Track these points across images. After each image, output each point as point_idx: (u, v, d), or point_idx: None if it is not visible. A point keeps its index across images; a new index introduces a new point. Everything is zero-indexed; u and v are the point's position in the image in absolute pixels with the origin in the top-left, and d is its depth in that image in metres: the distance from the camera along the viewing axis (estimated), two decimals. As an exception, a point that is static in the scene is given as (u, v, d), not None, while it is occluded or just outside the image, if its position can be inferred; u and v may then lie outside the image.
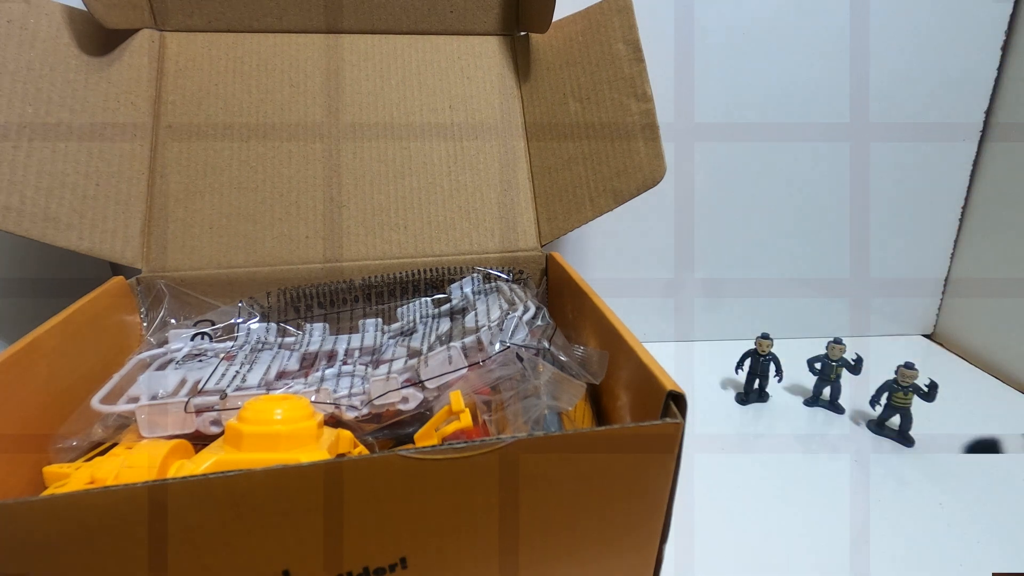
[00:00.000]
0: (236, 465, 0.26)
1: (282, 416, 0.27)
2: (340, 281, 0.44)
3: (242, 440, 0.26)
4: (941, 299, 0.67)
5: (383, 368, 0.35)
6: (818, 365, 0.53)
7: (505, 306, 0.38)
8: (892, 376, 0.48)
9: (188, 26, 0.46)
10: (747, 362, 0.54)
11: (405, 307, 0.43)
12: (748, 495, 0.43)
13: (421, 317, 0.41)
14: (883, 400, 0.50)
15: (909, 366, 0.47)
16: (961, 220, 0.64)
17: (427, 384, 0.33)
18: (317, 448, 0.27)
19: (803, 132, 0.58)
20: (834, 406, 0.53)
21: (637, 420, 0.23)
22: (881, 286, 0.66)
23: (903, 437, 0.48)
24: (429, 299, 0.43)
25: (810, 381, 0.55)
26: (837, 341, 0.52)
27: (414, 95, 0.48)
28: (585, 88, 0.47)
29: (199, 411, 0.31)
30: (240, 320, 0.41)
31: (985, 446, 0.12)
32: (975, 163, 0.61)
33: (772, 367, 0.53)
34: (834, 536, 0.38)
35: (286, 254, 0.44)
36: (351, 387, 0.34)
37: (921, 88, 0.58)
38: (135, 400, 0.32)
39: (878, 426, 0.50)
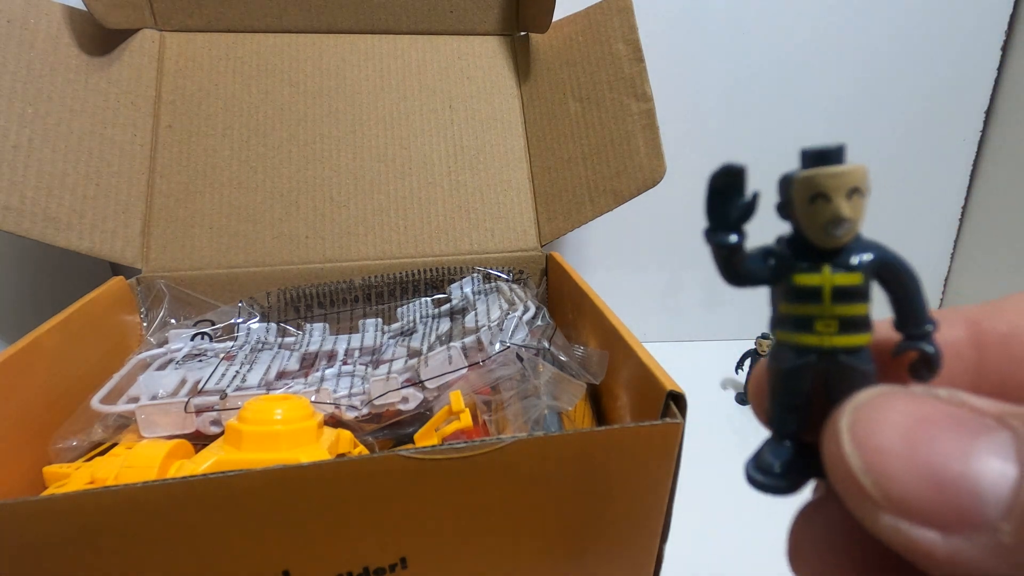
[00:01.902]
0: (236, 465, 0.26)
1: (282, 416, 0.27)
2: (340, 281, 0.44)
3: (242, 440, 0.26)
4: (941, 299, 0.67)
5: (383, 368, 0.35)
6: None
7: (505, 306, 0.38)
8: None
9: (188, 26, 0.46)
10: (747, 362, 0.54)
11: (405, 307, 0.43)
12: (748, 495, 0.43)
13: (421, 317, 0.41)
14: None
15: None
16: (961, 220, 0.64)
17: (427, 384, 0.33)
18: (317, 448, 0.27)
19: (803, 132, 0.58)
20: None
21: (637, 420, 0.23)
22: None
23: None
24: (429, 299, 0.43)
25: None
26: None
27: (414, 95, 0.48)
28: (585, 88, 0.47)
29: (199, 411, 0.31)
30: (240, 320, 0.41)
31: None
32: (975, 163, 0.61)
33: (772, 367, 0.53)
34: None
35: (286, 254, 0.44)
36: (351, 387, 0.34)
37: (921, 88, 0.58)
38: (135, 400, 0.32)
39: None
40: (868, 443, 0.09)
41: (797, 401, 0.12)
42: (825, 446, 0.10)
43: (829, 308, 0.11)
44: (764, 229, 0.13)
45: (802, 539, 0.11)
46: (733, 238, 0.11)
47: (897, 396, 0.10)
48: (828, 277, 0.11)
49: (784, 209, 0.12)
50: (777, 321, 0.12)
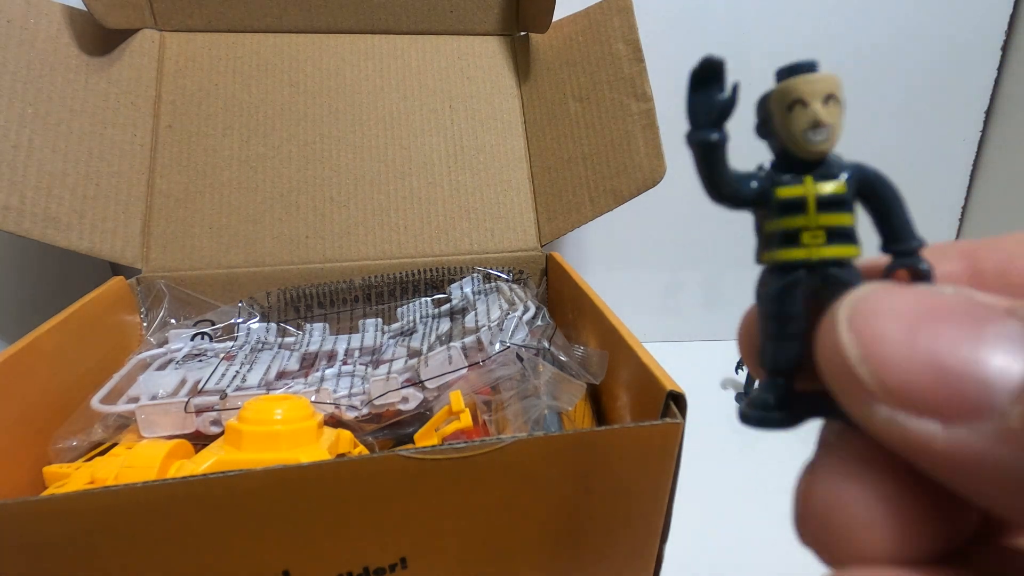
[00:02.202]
0: (236, 465, 0.26)
1: (282, 416, 0.27)
2: (340, 281, 0.44)
3: (242, 440, 0.26)
4: (941, 299, 0.67)
5: (383, 368, 0.35)
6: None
7: (505, 306, 0.38)
8: None
9: (188, 26, 0.46)
10: (747, 362, 0.54)
11: (405, 307, 0.43)
12: (748, 495, 0.43)
13: (421, 317, 0.41)
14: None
15: None
16: (961, 220, 0.64)
17: (427, 384, 0.33)
18: (317, 448, 0.27)
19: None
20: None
21: (637, 420, 0.23)
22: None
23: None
24: (429, 299, 0.43)
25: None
26: None
27: (414, 95, 0.48)
28: (585, 88, 0.47)
29: (199, 411, 0.31)
30: (240, 320, 0.41)
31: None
32: (975, 163, 0.61)
33: (772, 367, 0.53)
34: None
35: (286, 254, 0.44)
36: (351, 387, 0.34)
37: (921, 88, 0.58)
38: (135, 400, 0.32)
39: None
40: (867, 331, 0.09)
41: (789, 329, 0.11)
42: (820, 338, 0.09)
43: (815, 218, 0.11)
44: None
45: (811, 498, 0.10)
46: (714, 135, 0.11)
47: (901, 288, 0.09)
48: (811, 187, 0.11)
49: (763, 128, 0.11)
50: (762, 244, 0.11)
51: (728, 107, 0.11)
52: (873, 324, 0.09)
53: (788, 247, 0.11)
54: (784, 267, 0.11)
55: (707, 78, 0.11)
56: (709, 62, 0.11)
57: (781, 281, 0.11)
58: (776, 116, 0.11)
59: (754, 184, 0.11)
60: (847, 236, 0.11)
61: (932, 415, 0.08)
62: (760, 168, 0.12)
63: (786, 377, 0.11)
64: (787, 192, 0.11)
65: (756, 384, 0.12)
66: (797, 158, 0.11)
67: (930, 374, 0.08)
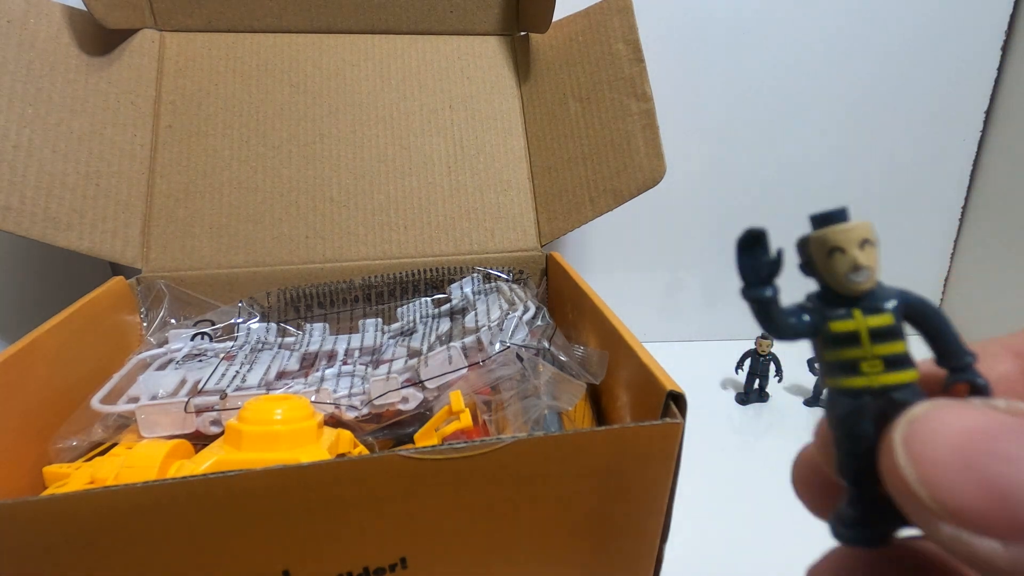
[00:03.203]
0: (236, 465, 0.26)
1: (282, 416, 0.27)
2: (340, 281, 0.44)
3: (242, 440, 0.26)
4: (941, 299, 0.67)
5: (383, 368, 0.35)
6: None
7: (505, 306, 0.38)
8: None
9: (188, 26, 0.46)
10: (747, 362, 0.54)
11: (405, 307, 0.43)
12: (748, 495, 0.43)
13: (421, 317, 0.41)
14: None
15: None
16: (961, 220, 0.64)
17: (427, 384, 0.33)
18: (317, 448, 0.27)
19: (803, 132, 0.58)
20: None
21: (637, 420, 0.23)
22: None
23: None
24: (429, 299, 0.43)
25: (810, 381, 0.55)
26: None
27: (414, 95, 0.48)
28: (585, 88, 0.47)
29: (199, 411, 0.31)
30: (240, 320, 0.41)
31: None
32: (975, 163, 0.61)
33: (772, 367, 0.53)
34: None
35: (286, 254, 0.44)
36: (351, 387, 0.34)
37: (921, 88, 0.58)
38: (135, 400, 0.32)
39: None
40: (922, 456, 0.09)
41: (862, 447, 0.12)
42: (881, 458, 0.10)
43: (870, 349, 0.12)
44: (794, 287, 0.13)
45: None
46: (768, 292, 0.12)
47: (952, 407, 0.10)
48: (861, 321, 0.12)
49: (807, 267, 0.12)
50: (825, 370, 0.12)
51: (775, 268, 0.12)
52: (927, 448, 0.09)
53: (850, 376, 0.12)
54: (850, 394, 0.12)
55: (752, 245, 0.12)
56: (752, 233, 0.12)
57: (849, 406, 0.12)
58: (818, 260, 0.12)
59: (807, 318, 0.12)
60: (903, 362, 0.12)
61: (992, 535, 0.08)
62: (809, 298, 0.13)
63: (865, 488, 0.12)
64: (840, 327, 0.12)
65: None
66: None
67: (985, 497, 0.09)
